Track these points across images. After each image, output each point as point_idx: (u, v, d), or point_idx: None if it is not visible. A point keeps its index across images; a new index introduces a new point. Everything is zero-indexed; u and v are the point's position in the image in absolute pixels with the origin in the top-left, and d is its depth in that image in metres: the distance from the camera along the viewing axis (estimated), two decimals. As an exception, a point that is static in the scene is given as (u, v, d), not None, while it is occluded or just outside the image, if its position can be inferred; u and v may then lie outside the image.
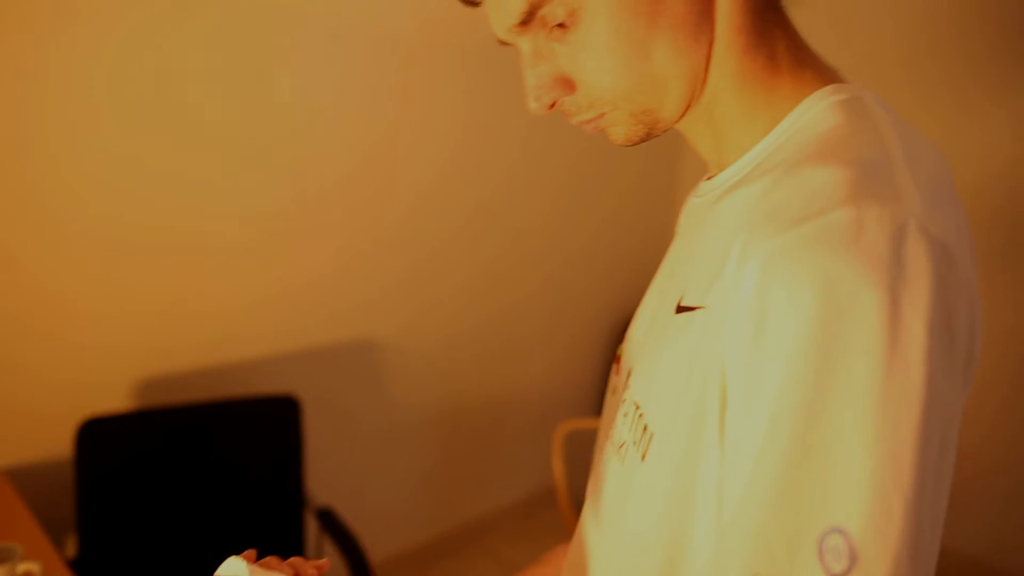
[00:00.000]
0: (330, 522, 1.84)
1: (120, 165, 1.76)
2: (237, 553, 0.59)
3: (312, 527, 1.94)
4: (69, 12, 1.61)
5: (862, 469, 0.42)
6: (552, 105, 0.59)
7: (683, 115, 0.59)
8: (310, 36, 2.01)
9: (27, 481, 1.70)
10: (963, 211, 0.52)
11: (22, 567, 1.17)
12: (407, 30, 2.16)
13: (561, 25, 0.55)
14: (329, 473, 2.20)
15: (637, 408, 0.59)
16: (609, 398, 0.72)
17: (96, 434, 1.66)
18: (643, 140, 0.59)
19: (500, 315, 2.72)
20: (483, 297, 2.66)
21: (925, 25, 2.56)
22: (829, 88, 0.56)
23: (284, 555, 0.64)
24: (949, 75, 2.55)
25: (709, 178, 0.63)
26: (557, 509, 2.46)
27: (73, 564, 1.57)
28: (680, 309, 0.56)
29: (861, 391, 0.42)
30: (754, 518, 0.45)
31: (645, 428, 0.57)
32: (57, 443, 1.74)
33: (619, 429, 0.63)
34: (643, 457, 0.56)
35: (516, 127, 2.49)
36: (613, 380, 0.73)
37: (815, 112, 0.55)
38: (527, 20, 0.55)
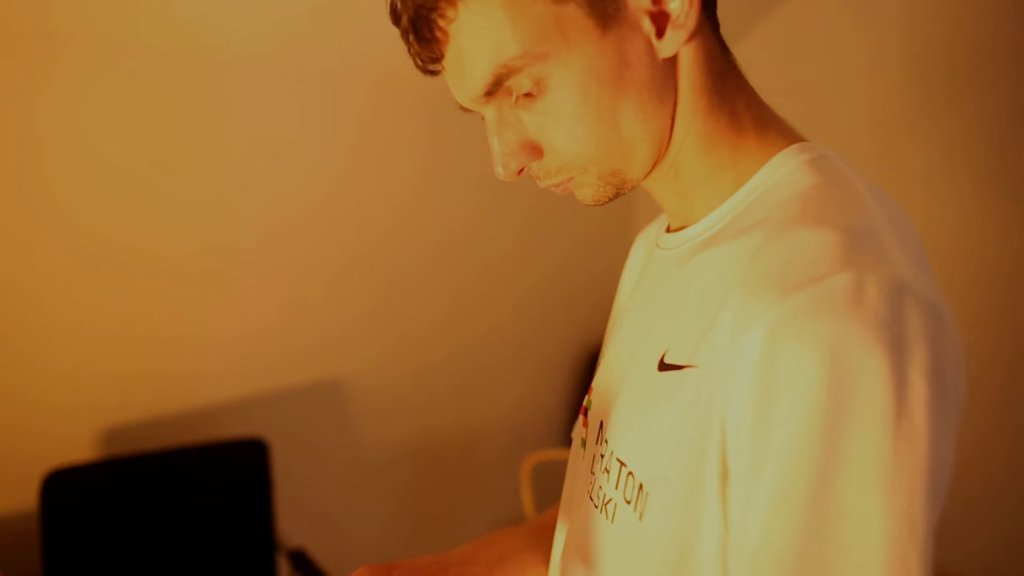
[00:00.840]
0: (303, 563, 1.83)
1: (82, 208, 1.77)
2: None
3: (285, 569, 1.93)
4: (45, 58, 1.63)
5: (880, 532, 0.43)
6: (520, 171, 0.59)
7: (649, 173, 0.60)
8: (269, 79, 2.04)
9: (-9, 536, 1.67)
10: (930, 268, 0.54)
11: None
12: (366, 72, 2.20)
13: (527, 94, 0.55)
14: (301, 513, 2.19)
15: (624, 466, 0.58)
16: (578, 450, 0.71)
17: (60, 485, 1.64)
18: (611, 199, 0.60)
19: (466, 349, 2.74)
20: (449, 332, 2.68)
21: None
22: (795, 147, 0.58)
23: None
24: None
25: (671, 230, 0.65)
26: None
27: (40, 619, 1.54)
28: (664, 367, 0.56)
29: (873, 453, 0.43)
30: None
31: (641, 487, 0.56)
32: (21, 495, 1.72)
33: (601, 488, 0.62)
34: (640, 517, 0.56)
35: (479, 163, 2.53)
36: (579, 431, 0.72)
37: (786, 171, 0.56)
38: (492, 91, 0.55)
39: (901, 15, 2.58)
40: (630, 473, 0.57)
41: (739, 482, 0.48)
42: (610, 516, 0.60)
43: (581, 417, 0.70)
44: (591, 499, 0.64)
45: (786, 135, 0.59)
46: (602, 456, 0.62)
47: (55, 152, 1.71)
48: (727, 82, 0.59)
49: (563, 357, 3.12)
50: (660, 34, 0.54)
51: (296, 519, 2.14)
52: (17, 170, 1.67)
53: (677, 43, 0.54)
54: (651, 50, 0.55)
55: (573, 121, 0.55)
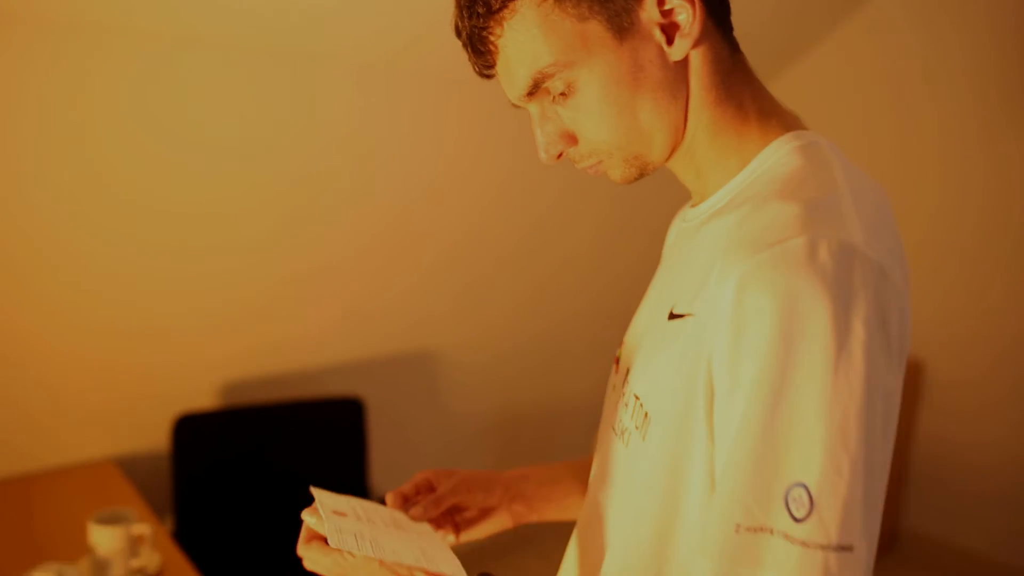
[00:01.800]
0: (390, 512, 2.04)
1: (231, 203, 2.04)
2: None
3: (375, 518, 2.14)
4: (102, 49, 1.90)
5: (817, 438, 0.52)
6: (560, 155, 0.70)
7: (669, 157, 0.70)
8: (380, 81, 2.26)
9: (132, 468, 1.95)
10: (899, 239, 0.65)
11: (135, 528, 1.39)
12: (465, 76, 2.39)
13: (562, 94, 0.66)
14: (391, 467, 2.40)
15: (637, 399, 0.68)
16: (609, 393, 0.80)
17: (188, 428, 1.90)
18: (637, 179, 0.72)
19: (547, 334, 2.91)
20: (531, 317, 2.85)
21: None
22: (790, 135, 0.67)
23: None
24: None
25: (693, 206, 0.76)
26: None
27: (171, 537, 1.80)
28: (672, 316, 0.65)
29: (816, 378, 0.52)
30: (733, 480, 0.55)
31: (646, 415, 0.66)
32: (155, 436, 2.00)
33: (621, 418, 0.72)
34: (644, 438, 0.66)
35: (560, 164, 2.69)
36: (613, 378, 0.80)
37: (779, 156, 0.65)
38: (533, 91, 0.66)
39: (961, 35, 2.64)
40: (641, 405, 0.67)
41: (720, 402, 0.58)
42: (626, 442, 0.70)
43: (614, 365, 0.81)
44: (614, 430, 0.74)
45: (786, 124, 0.69)
46: (624, 394, 0.72)
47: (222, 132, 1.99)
48: (734, 79, 0.69)
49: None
50: (670, 42, 0.65)
51: (386, 472, 2.36)
52: (149, 145, 1.95)
53: (685, 48, 0.65)
54: (663, 55, 0.65)
55: (599, 115, 0.66)
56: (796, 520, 0.52)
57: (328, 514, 0.68)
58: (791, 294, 0.53)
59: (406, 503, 0.84)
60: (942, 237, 2.83)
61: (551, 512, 0.91)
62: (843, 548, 0.51)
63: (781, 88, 3.19)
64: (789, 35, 2.97)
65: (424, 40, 2.12)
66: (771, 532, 0.53)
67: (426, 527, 0.78)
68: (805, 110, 2.77)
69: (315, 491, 0.73)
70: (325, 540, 0.68)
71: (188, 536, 1.82)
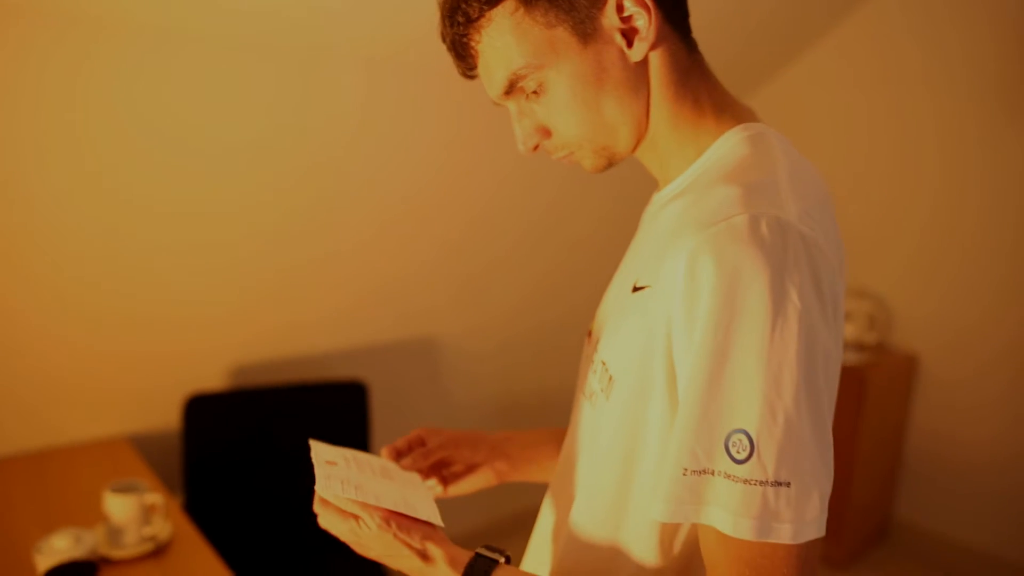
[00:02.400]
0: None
1: (242, 195, 2.11)
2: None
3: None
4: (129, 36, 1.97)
5: (756, 389, 0.58)
6: (536, 147, 0.78)
7: (635, 148, 0.78)
8: (388, 75, 2.33)
9: (145, 445, 2.04)
10: (833, 219, 0.71)
11: (148, 497, 1.47)
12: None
13: (535, 92, 0.74)
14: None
15: (604, 365, 0.75)
16: (582, 363, 0.87)
17: (199, 407, 1.98)
18: (607, 167, 0.80)
19: (547, 324, 2.98)
20: (533, 308, 2.92)
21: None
22: (741, 127, 0.74)
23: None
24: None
25: (658, 191, 0.84)
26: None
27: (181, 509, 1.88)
28: (635, 289, 0.72)
29: (755, 337, 0.58)
30: (682, 430, 0.61)
31: (611, 378, 0.73)
32: (167, 415, 2.08)
33: (590, 383, 0.79)
34: (608, 398, 0.73)
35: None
36: (586, 349, 0.87)
37: (729, 145, 0.73)
38: (509, 91, 0.74)
39: (960, 34, 2.69)
40: (607, 369, 0.74)
41: (679, 360, 0.64)
42: (593, 404, 0.78)
43: (587, 338, 0.89)
44: (584, 394, 0.82)
45: (738, 117, 0.76)
46: (593, 362, 0.79)
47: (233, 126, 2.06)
48: (691, 77, 0.76)
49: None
50: (630, 45, 0.72)
51: (388, 457, 2.43)
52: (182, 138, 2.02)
53: (643, 50, 0.72)
54: (624, 56, 0.72)
55: (568, 111, 0.74)
56: (737, 462, 0.58)
57: (320, 463, 0.74)
58: (735, 263, 0.59)
59: (399, 456, 0.91)
60: (940, 236, 2.89)
61: (532, 472, 1.00)
62: (780, 484, 0.58)
63: (780, 87, 3.25)
64: (788, 34, 3.02)
65: (430, 35, 2.17)
66: (713, 474, 0.59)
67: (415, 476, 0.85)
68: (805, 108, 2.92)
69: (313, 443, 0.80)
70: (339, 509, 0.74)
71: (197, 510, 1.90)
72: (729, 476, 0.59)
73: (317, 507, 0.76)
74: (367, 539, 0.73)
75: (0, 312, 1.82)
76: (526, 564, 0.93)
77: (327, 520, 0.75)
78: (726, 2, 2.41)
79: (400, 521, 0.72)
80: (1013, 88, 2.65)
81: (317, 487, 0.72)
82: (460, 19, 0.73)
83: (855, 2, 2.91)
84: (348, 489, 0.72)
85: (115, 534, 1.43)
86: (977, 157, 2.77)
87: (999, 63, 2.68)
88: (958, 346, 2.88)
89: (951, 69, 2.79)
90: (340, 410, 2.17)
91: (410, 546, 0.71)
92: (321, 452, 0.78)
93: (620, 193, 2.98)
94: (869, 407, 2.75)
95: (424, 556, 0.71)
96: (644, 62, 0.73)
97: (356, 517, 0.72)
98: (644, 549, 0.71)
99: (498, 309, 2.82)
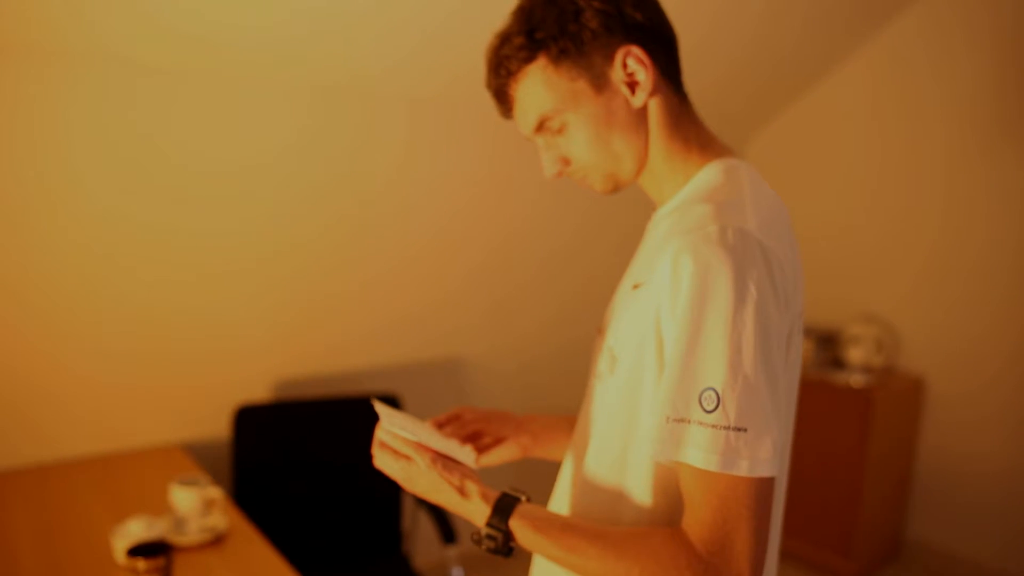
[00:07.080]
0: (423, 502, 2.25)
1: (295, 227, 2.32)
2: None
3: (408, 500, 2.38)
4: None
5: (722, 357, 0.74)
6: (559, 174, 0.96)
7: (637, 175, 0.97)
8: (428, 109, 2.54)
9: (200, 452, 2.22)
10: (789, 231, 0.89)
11: (209, 491, 1.64)
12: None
13: (559, 130, 0.92)
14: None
15: (611, 350, 0.90)
16: (593, 355, 1.01)
17: (247, 417, 2.16)
18: (615, 191, 0.98)
19: (567, 349, 3.14)
20: (553, 332, 3.10)
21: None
22: (719, 160, 0.92)
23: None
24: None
25: (656, 210, 1.01)
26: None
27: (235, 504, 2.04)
28: (635, 287, 0.88)
29: (722, 317, 0.74)
30: (666, 389, 0.76)
31: (615, 358, 0.88)
32: (218, 424, 2.27)
33: (599, 367, 0.94)
34: (612, 373, 0.89)
35: (586, 189, 2.94)
36: (597, 342, 1.01)
37: (710, 175, 0.90)
38: (539, 128, 0.93)
39: (973, 60, 2.84)
40: (612, 352, 0.90)
41: (666, 335, 0.80)
42: (601, 381, 0.95)
43: (598, 336, 1.04)
44: (595, 376, 0.97)
45: (718, 153, 0.94)
46: (602, 350, 0.97)
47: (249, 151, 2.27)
48: (682, 120, 0.94)
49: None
50: (633, 94, 0.90)
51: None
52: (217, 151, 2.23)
53: (643, 98, 0.90)
54: (628, 103, 0.91)
55: (584, 145, 0.92)
56: (707, 411, 0.74)
57: (384, 414, 0.91)
58: (707, 261, 0.75)
59: (440, 427, 1.09)
60: (944, 261, 3.02)
61: (551, 449, 1.16)
62: (739, 429, 0.73)
63: (801, 111, 3.41)
64: (809, 64, 3.19)
65: (464, 79, 2.39)
66: (688, 422, 0.75)
67: (454, 440, 1.03)
68: (824, 130, 3.09)
69: (376, 404, 0.96)
70: (394, 452, 0.91)
71: (244, 510, 2.06)
72: (701, 423, 0.74)
73: (375, 448, 0.93)
74: (416, 475, 0.89)
75: (83, 332, 2.03)
76: (550, 507, 1.08)
77: (382, 460, 0.92)
78: (739, 43, 2.60)
79: (444, 462, 0.89)
80: (1014, 115, 2.80)
81: (381, 427, 0.89)
82: (503, 72, 0.92)
83: (873, 33, 3.09)
84: (405, 431, 0.89)
85: (179, 523, 1.60)
86: (980, 186, 2.91)
87: (1002, 90, 2.82)
88: (963, 364, 2.98)
89: (958, 100, 2.93)
90: (374, 421, 2.31)
91: (451, 483, 0.87)
92: (384, 411, 0.94)
93: (636, 227, 3.15)
94: (876, 428, 2.86)
95: (462, 491, 0.87)
96: (644, 108, 0.92)
97: (408, 458, 0.89)
98: (642, 492, 0.87)
99: (521, 332, 3.00)
